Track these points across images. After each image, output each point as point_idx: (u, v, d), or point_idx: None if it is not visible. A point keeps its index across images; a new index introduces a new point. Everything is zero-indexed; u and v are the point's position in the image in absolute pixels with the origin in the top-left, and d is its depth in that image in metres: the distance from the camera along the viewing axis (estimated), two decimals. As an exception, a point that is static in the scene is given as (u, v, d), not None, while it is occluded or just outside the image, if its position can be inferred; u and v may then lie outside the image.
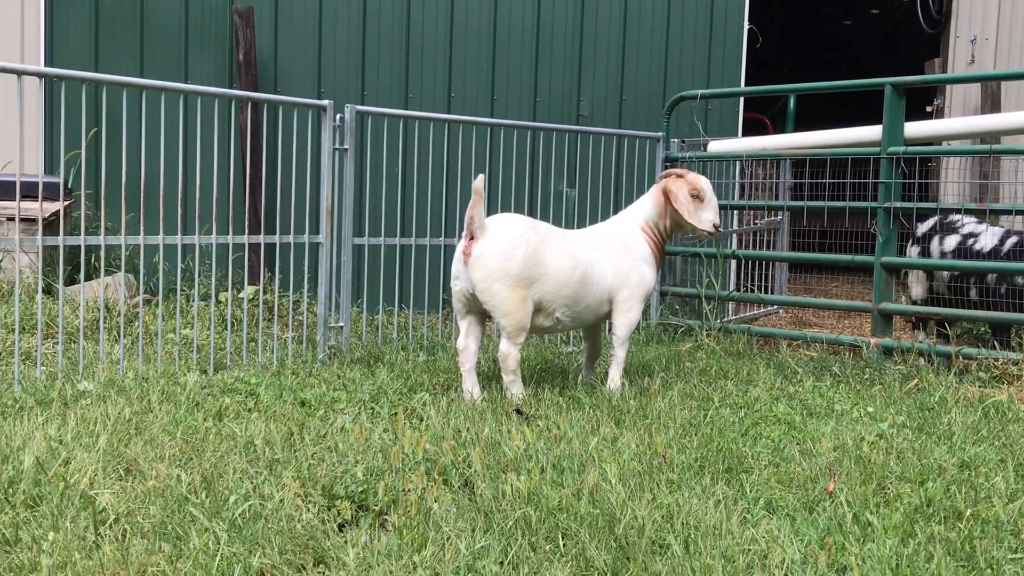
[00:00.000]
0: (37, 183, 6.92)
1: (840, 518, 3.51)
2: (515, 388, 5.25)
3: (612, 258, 5.49)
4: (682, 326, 7.33)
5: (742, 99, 9.24)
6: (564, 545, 3.21)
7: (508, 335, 5.18)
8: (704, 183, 5.70)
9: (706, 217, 5.67)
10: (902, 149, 6.53)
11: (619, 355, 5.57)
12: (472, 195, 5.04)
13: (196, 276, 5.80)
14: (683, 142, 7.81)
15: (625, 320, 5.52)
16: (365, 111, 6.51)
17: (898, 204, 6.59)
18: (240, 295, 7.12)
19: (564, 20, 8.47)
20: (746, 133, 9.30)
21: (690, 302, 7.71)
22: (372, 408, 4.96)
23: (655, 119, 8.39)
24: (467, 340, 5.30)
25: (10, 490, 3.47)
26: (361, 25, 8.25)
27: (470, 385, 5.25)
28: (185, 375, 5.30)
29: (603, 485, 3.70)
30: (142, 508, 3.39)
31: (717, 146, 7.75)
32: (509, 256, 5.07)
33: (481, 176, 5.07)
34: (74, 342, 5.93)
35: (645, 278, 5.56)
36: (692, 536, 3.29)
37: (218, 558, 2.97)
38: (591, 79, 8.51)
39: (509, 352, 5.19)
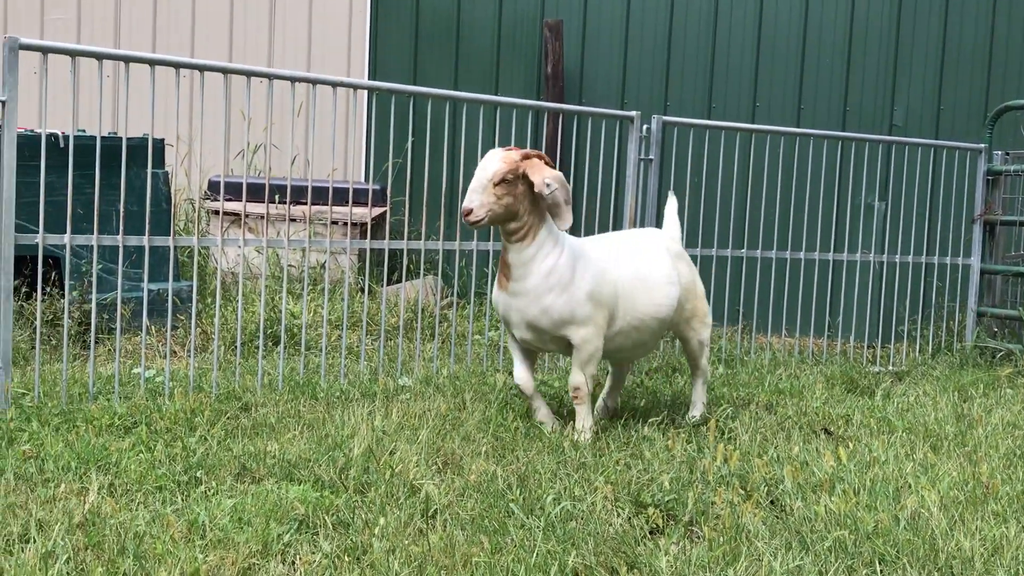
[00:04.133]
0: (360, 190, 7.40)
1: None
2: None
3: None
4: (1001, 350, 6.87)
5: (1074, 108, 8.54)
6: (882, 572, 3.09)
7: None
8: None
9: None
10: None
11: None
12: None
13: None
14: (1007, 154, 7.32)
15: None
16: (671, 121, 6.52)
17: None
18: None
19: (879, 24, 8.15)
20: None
21: (1010, 324, 7.22)
22: (673, 418, 4.97)
23: (976, 129, 7.90)
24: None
25: (342, 475, 3.73)
26: (667, 35, 8.28)
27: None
28: (494, 375, 5.51)
29: (922, 512, 3.53)
30: (460, 501, 3.55)
31: (1046, 158, 7.21)
32: None
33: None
34: (391, 339, 6.29)
35: None
36: (1022, 573, 3.08)
37: (535, 554, 3.07)
38: (906, 86, 8.14)
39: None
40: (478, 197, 4.27)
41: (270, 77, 5.18)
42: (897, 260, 7.13)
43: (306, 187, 5.59)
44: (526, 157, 4.35)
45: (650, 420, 4.80)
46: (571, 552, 3.09)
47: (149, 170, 4.94)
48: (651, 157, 6.36)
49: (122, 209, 4.79)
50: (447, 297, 7.35)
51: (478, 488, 3.66)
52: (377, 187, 7.62)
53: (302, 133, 5.30)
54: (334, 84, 5.36)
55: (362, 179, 8.50)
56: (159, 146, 6.39)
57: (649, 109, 7.14)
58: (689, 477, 3.88)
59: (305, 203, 6.54)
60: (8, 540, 3.05)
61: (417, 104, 5.75)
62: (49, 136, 4.74)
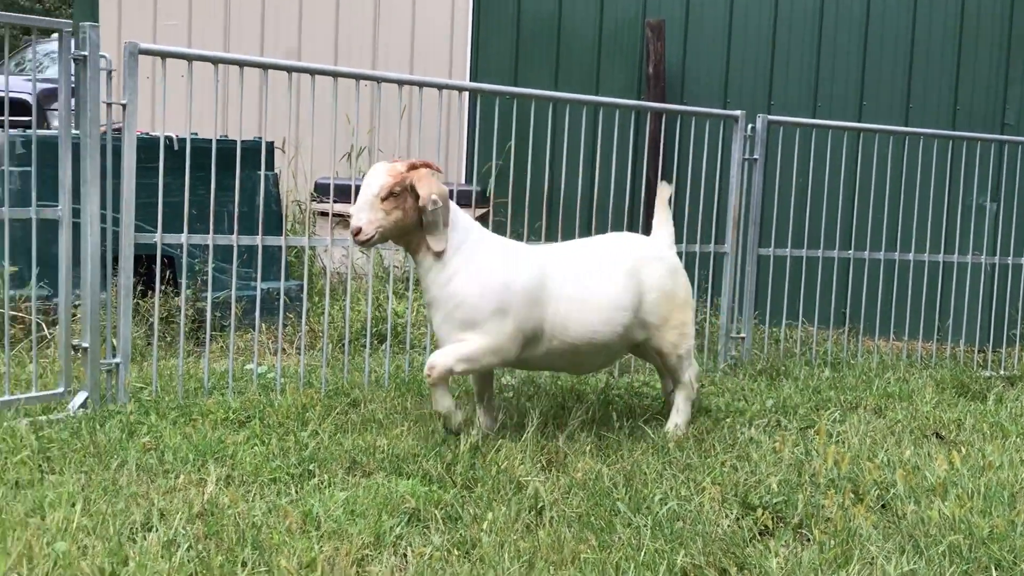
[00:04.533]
0: (464, 191, 7.47)
1: None
2: None
3: None
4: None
5: None
6: (999, 578, 3.03)
7: None
8: None
9: None
10: None
11: None
12: None
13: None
14: None
15: None
16: (776, 120, 6.45)
17: None
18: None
19: (990, 20, 7.92)
20: None
21: None
22: (778, 421, 4.92)
23: (1093, 128, 7.66)
24: None
25: (449, 470, 3.79)
26: (771, 33, 8.17)
27: None
28: (595, 375, 5.52)
29: (1039, 519, 3.44)
30: (566, 498, 3.57)
31: None
32: None
33: None
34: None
35: None
36: None
37: (643, 553, 3.08)
38: (1019, 84, 7.90)
39: None
40: (365, 215, 4.06)
41: (378, 80, 5.27)
42: (1009, 262, 6.95)
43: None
44: (412, 168, 4.14)
45: (756, 423, 4.78)
46: (679, 551, 3.09)
47: (262, 172, 5.06)
48: (756, 157, 6.31)
49: (236, 210, 4.92)
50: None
51: (584, 486, 3.68)
52: (479, 188, 7.68)
53: (405, 135, 5.38)
54: (440, 87, 5.43)
55: (462, 180, 8.58)
56: (270, 149, 6.54)
57: (752, 108, 7.05)
58: (797, 480, 3.84)
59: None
60: (132, 528, 3.16)
61: (518, 105, 5.79)
62: (165, 139, 4.88)
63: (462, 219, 4.30)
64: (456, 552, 3.11)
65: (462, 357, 4.13)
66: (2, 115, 4.45)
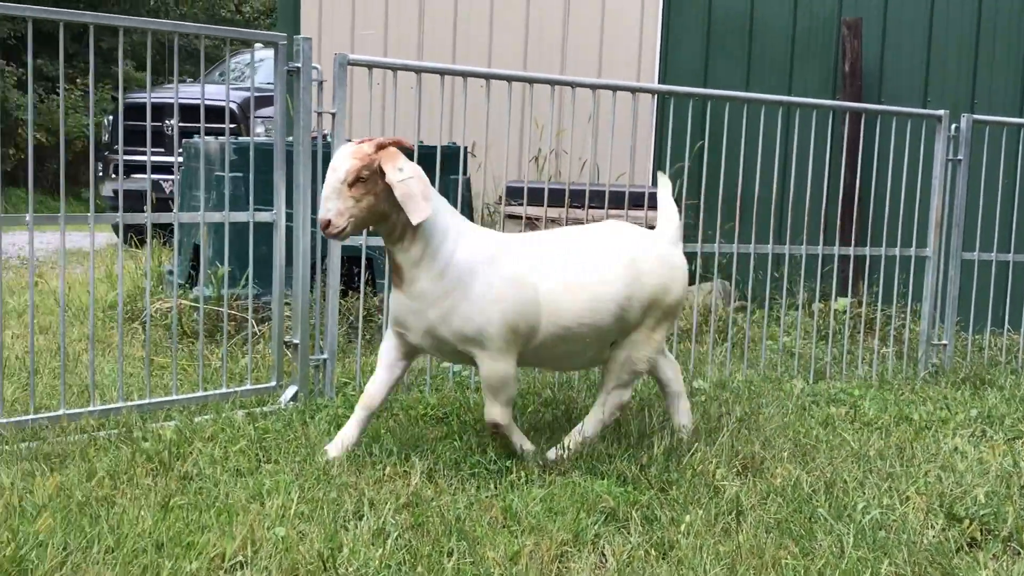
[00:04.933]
0: (647, 193, 7.49)
1: None
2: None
3: None
4: None
5: None
6: None
7: None
8: None
9: None
10: None
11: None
12: None
13: (790, 286, 5.90)
14: None
15: None
16: (982, 120, 6.20)
17: None
18: (835, 307, 7.12)
19: None
20: None
21: None
22: (983, 431, 4.75)
23: None
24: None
25: (644, 472, 3.81)
26: (974, 29, 7.86)
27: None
28: (790, 381, 5.45)
29: None
30: (763, 504, 3.55)
31: None
32: None
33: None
34: (680, 342, 6.32)
35: None
36: None
37: (845, 560, 3.03)
38: None
39: None
40: (334, 204, 3.66)
41: (572, 85, 5.34)
42: None
43: (596, 191, 5.72)
44: (380, 147, 3.74)
45: (960, 432, 4.62)
46: (884, 560, 3.03)
47: (459, 176, 5.21)
48: (960, 158, 6.08)
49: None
50: (733, 301, 7.29)
51: (782, 492, 3.64)
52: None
53: (589, 138, 5.44)
54: (633, 90, 5.47)
55: (648, 182, 8.57)
56: (464, 154, 6.73)
57: (954, 107, 6.80)
58: (1006, 492, 3.71)
59: (596, 207, 6.70)
60: (344, 517, 3.33)
61: (706, 106, 5.78)
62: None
63: (445, 208, 3.92)
64: (654, 553, 3.14)
65: (497, 386, 3.87)
66: (223, 123, 4.74)
